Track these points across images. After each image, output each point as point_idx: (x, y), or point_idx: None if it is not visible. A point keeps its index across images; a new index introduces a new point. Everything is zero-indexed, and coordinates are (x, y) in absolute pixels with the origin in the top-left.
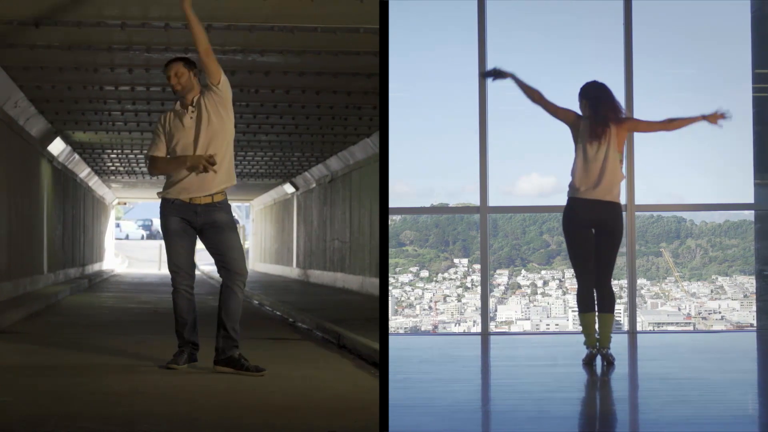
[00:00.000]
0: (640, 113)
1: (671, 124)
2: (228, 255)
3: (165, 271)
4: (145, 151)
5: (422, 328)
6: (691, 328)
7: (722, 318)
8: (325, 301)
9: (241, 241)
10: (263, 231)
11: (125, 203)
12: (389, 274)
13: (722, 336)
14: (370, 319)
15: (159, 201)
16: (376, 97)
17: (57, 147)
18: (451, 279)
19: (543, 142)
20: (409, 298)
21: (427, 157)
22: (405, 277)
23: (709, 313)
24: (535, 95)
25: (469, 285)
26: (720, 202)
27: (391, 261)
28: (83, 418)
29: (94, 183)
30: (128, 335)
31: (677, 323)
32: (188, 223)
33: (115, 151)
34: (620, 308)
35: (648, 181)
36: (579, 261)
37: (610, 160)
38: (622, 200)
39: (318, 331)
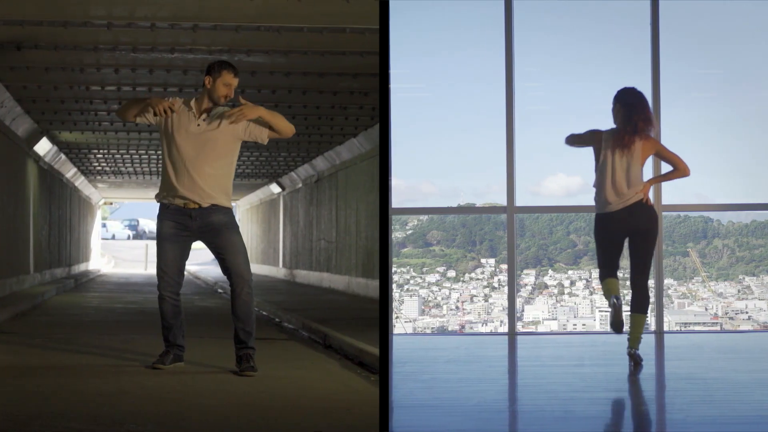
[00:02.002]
0: (667, 115)
1: (676, 173)
2: (227, 258)
3: (151, 271)
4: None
5: (449, 328)
6: (718, 328)
7: (749, 318)
8: (311, 301)
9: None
10: (249, 231)
11: (111, 203)
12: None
13: (749, 336)
14: (357, 319)
15: (145, 201)
16: (362, 97)
17: (43, 147)
18: (478, 279)
19: None
20: (436, 298)
21: (454, 157)
22: (432, 277)
23: (736, 313)
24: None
25: (496, 285)
26: (747, 202)
27: (417, 261)
28: (70, 417)
29: (81, 183)
30: (114, 335)
31: (704, 323)
32: (184, 227)
33: (101, 151)
34: None
35: (675, 181)
36: (606, 263)
37: (632, 170)
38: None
39: (304, 331)
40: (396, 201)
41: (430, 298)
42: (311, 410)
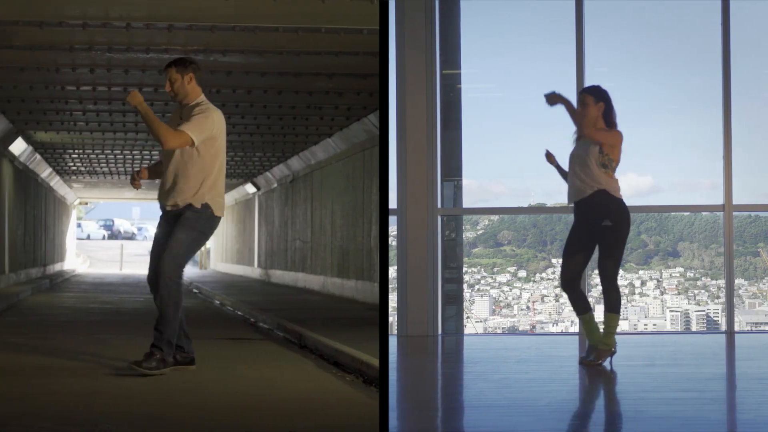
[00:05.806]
0: (736, 112)
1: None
2: (164, 251)
3: (125, 271)
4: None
5: (520, 328)
6: None
7: None
8: (286, 301)
9: (182, 244)
10: (224, 231)
11: (87, 203)
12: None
13: None
14: (332, 319)
15: (120, 201)
16: (337, 97)
17: (18, 147)
18: (548, 279)
19: (639, 143)
20: (506, 298)
21: (525, 157)
22: (503, 277)
23: None
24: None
25: None
26: None
27: (488, 261)
28: (44, 418)
29: (56, 183)
30: (89, 335)
31: None
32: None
33: (76, 151)
34: (718, 308)
35: (745, 181)
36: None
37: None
38: (720, 200)
39: (279, 331)
40: (467, 201)
41: (500, 298)
42: (286, 410)
